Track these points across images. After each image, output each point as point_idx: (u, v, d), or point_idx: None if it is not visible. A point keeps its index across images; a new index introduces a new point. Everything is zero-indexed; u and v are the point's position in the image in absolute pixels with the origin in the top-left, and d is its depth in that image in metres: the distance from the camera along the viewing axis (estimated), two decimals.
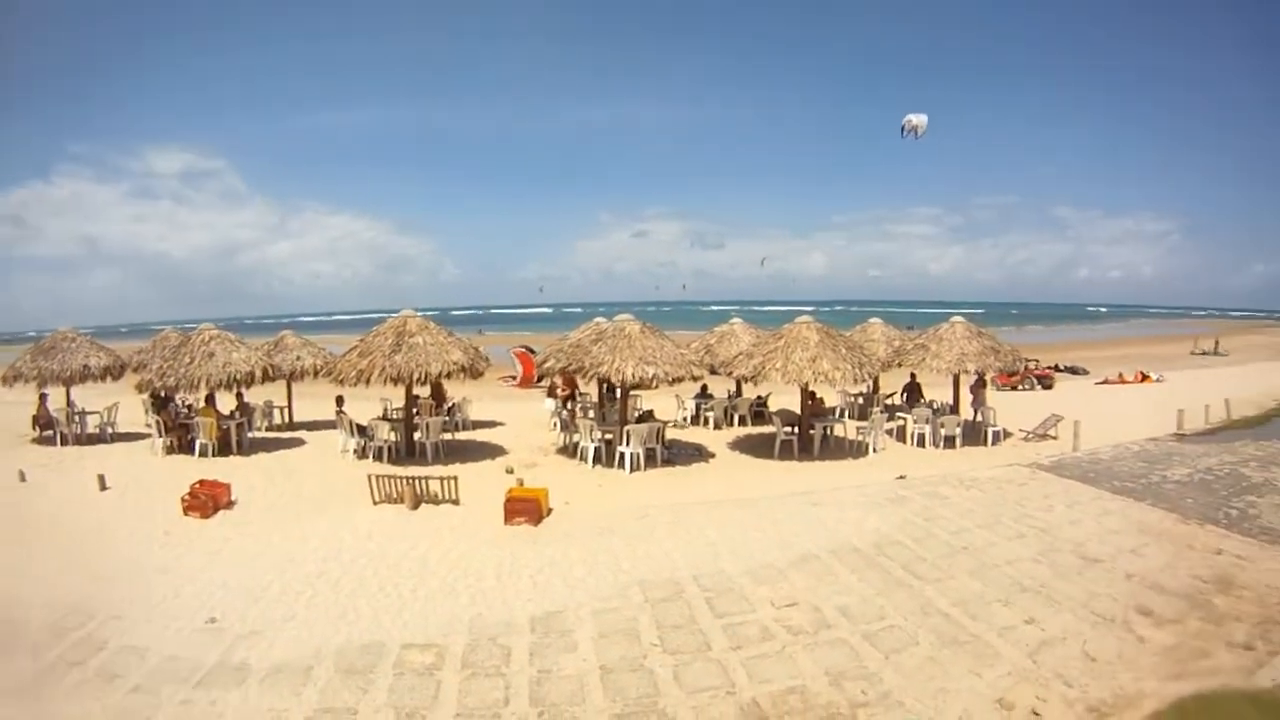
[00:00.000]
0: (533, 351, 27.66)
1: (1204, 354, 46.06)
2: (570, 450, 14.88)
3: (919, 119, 19.84)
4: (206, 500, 10.48)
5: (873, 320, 20.94)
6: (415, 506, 10.54)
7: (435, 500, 10.76)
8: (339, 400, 15.99)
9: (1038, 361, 32.06)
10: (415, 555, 8.64)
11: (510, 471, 13.03)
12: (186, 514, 10.36)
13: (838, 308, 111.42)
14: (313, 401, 19.15)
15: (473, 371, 14.80)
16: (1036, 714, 5.18)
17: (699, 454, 15.14)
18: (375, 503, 10.77)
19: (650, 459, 13.77)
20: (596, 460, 13.86)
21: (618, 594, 7.21)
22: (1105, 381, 30.89)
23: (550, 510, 10.25)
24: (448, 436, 15.98)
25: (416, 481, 10.75)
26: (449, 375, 14.51)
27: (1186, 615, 6.87)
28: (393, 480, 10.85)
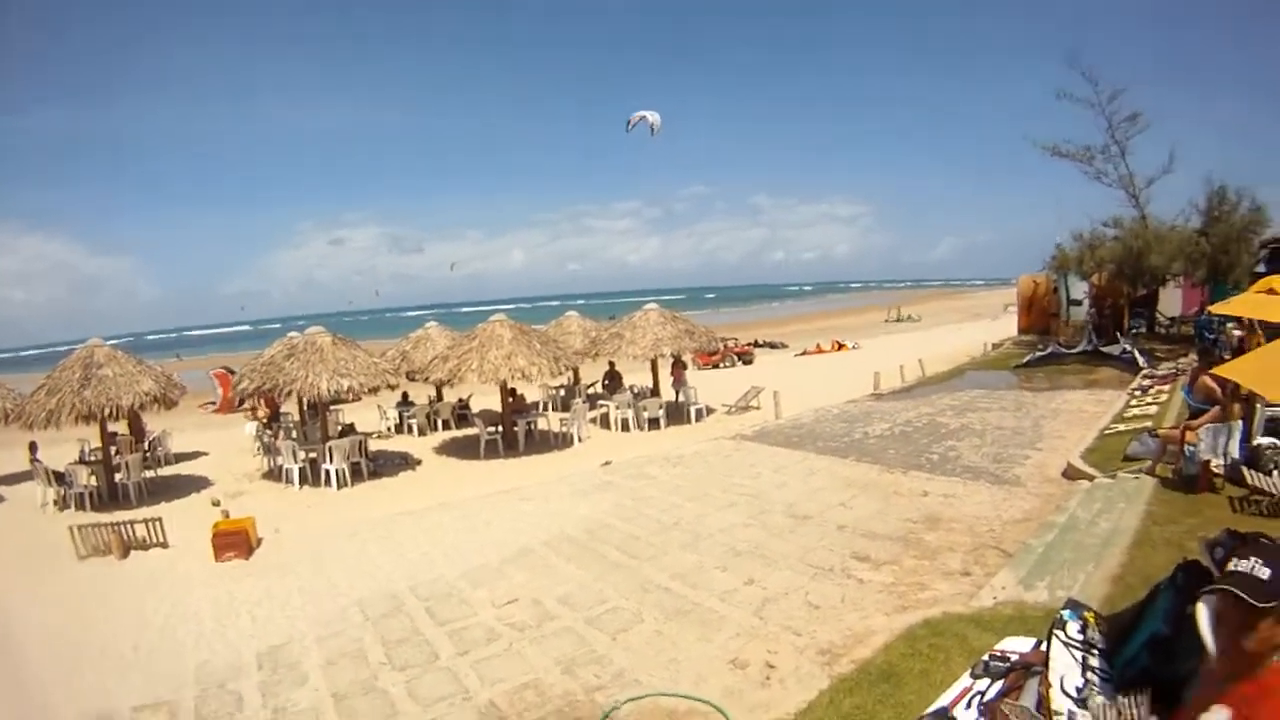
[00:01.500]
0: (232, 373, 28.60)
1: (897, 321, 58.54)
2: (276, 474, 16.89)
3: (654, 116, 23.43)
4: None
5: (569, 314, 25.24)
6: (125, 555, 11.45)
7: (144, 545, 11.70)
8: (32, 447, 17.22)
9: (736, 340, 38.28)
10: (130, 608, 9.21)
11: (216, 504, 14.32)
12: None
13: (539, 303, 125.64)
14: (9, 451, 20.00)
15: (166, 401, 16.32)
16: (771, 666, 6.02)
17: (405, 463, 17.59)
18: (82, 557, 11.53)
19: (356, 473, 16.03)
20: (303, 481, 15.92)
21: (339, 617, 8.03)
22: (804, 353, 37.41)
23: (260, 540, 11.51)
24: (150, 474, 17.34)
25: (122, 527, 11.66)
26: (142, 407, 15.98)
27: (901, 555, 8.37)
28: (97, 530, 11.72)
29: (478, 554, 9.70)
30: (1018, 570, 7.31)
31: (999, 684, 4.47)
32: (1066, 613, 4.88)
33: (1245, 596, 1.92)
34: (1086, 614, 4.96)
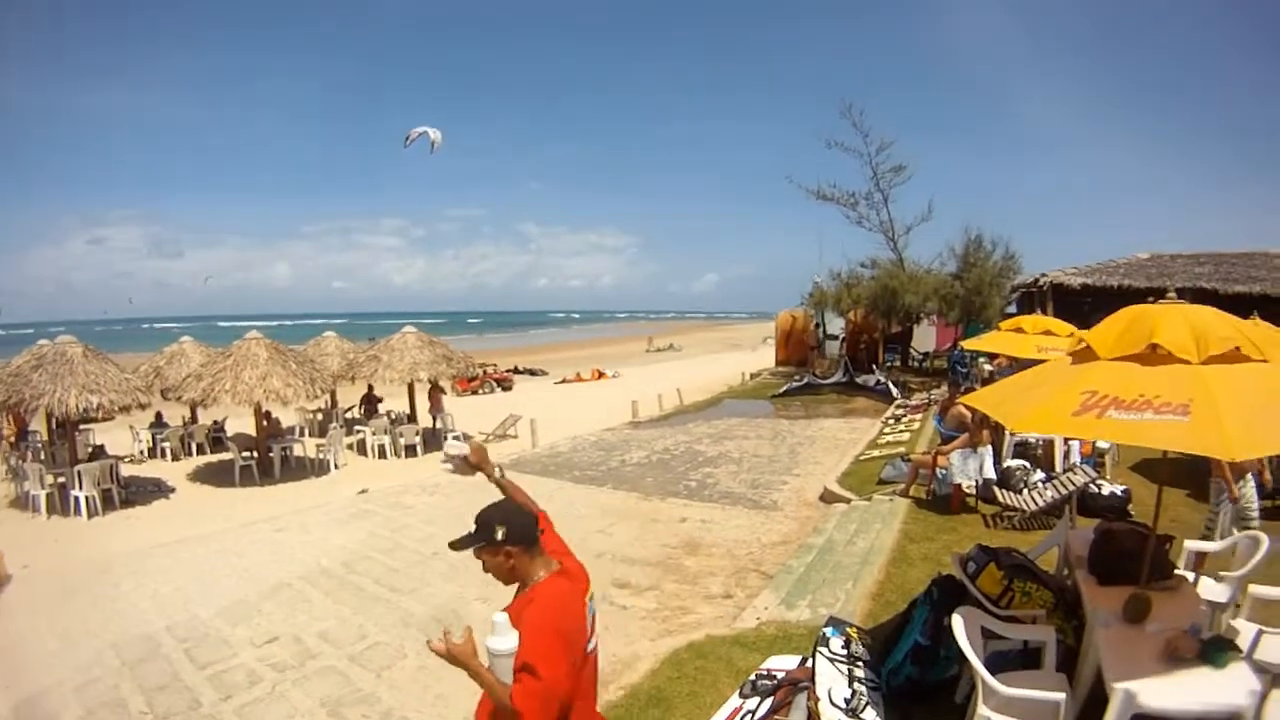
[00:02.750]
0: None
1: (658, 350, 60.62)
2: (24, 500, 15.78)
3: (435, 133, 23.63)
4: None
5: (328, 334, 24.83)
6: None
7: None
8: None
9: (496, 366, 38.64)
10: None
11: None
12: None
13: (302, 321, 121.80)
14: None
15: None
16: None
17: (159, 490, 16.81)
18: None
19: (108, 501, 15.23)
20: (50, 509, 15.01)
21: (95, 663, 7.63)
22: (564, 381, 37.64)
23: (9, 576, 10.80)
24: None
25: None
26: None
27: (662, 580, 8.60)
28: None
29: (235, 589, 9.46)
30: (779, 591, 7.61)
31: (768, 701, 4.57)
32: (829, 629, 5.11)
33: (465, 542, 2.93)
34: (849, 629, 5.21)
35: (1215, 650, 3.60)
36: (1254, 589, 4.88)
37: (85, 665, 7.61)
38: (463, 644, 2.65)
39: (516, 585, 3.00)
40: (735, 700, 4.75)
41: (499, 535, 2.85)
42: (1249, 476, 6.99)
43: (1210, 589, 4.87)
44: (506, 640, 2.64)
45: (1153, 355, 3.72)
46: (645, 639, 6.92)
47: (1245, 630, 4.31)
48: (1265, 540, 4.98)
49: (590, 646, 2.92)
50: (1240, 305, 15.42)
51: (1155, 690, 3.41)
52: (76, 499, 14.68)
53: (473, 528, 2.92)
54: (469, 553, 8.93)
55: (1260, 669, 3.64)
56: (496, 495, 10.84)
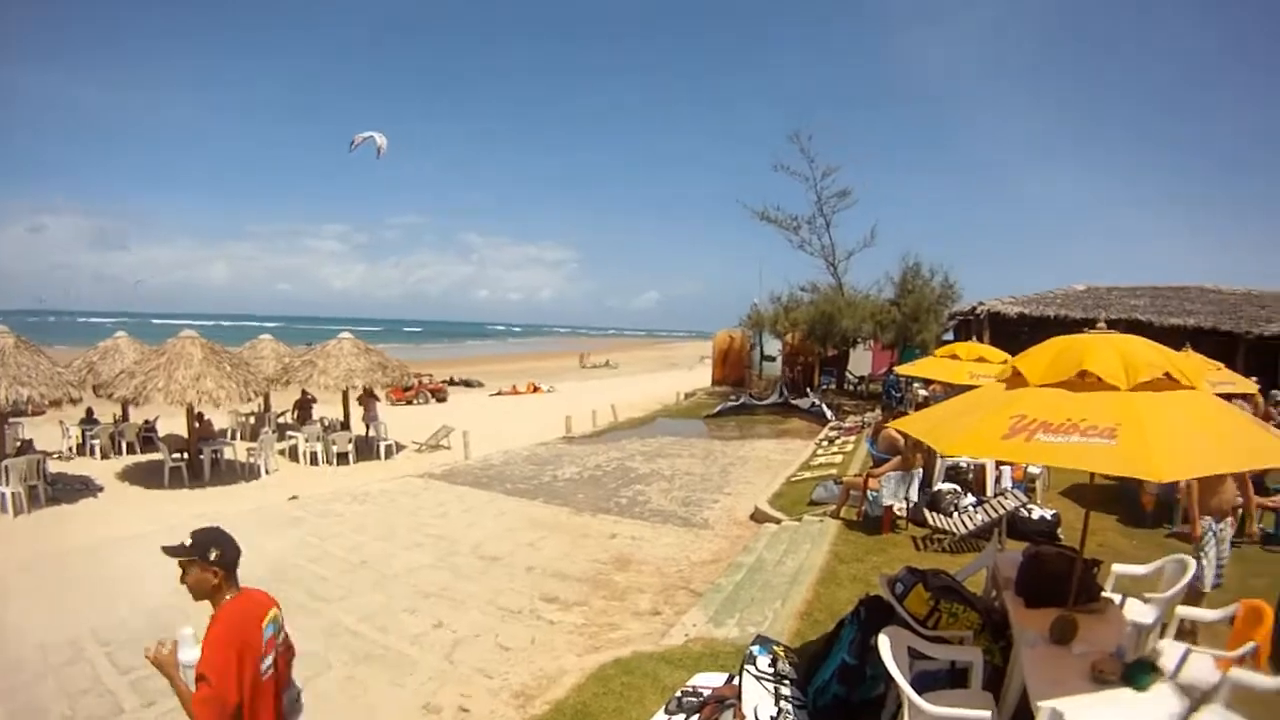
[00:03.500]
0: None
1: (594, 367, 60.78)
2: None
3: (381, 138, 24.00)
4: None
5: (264, 336, 24.64)
6: None
7: None
8: None
9: (431, 376, 38.25)
10: None
11: None
12: None
13: (242, 322, 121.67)
14: None
15: None
16: (465, 710, 6.05)
17: (87, 488, 16.45)
18: None
19: (34, 498, 14.91)
20: None
21: (19, 665, 7.51)
22: (499, 393, 37.60)
23: None
24: None
25: None
26: None
27: (591, 596, 8.53)
28: None
29: (159, 594, 9.08)
30: (707, 609, 7.57)
31: (695, 718, 4.50)
32: (756, 648, 5.08)
33: (180, 551, 3.18)
34: (776, 648, 5.18)
35: (1138, 672, 3.63)
36: (1181, 610, 4.97)
37: (7, 667, 7.47)
38: (167, 654, 3.10)
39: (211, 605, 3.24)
40: (661, 716, 4.68)
41: (212, 555, 3.22)
42: (1228, 522, 6.27)
43: (1137, 611, 4.94)
44: (189, 652, 3.10)
45: (1082, 382, 3.75)
46: (572, 654, 6.86)
47: (1172, 651, 4.37)
48: (1192, 564, 5.09)
49: (268, 662, 3.29)
50: (1174, 337, 15.91)
51: (1079, 710, 3.42)
52: (2, 495, 14.38)
53: (188, 541, 3.23)
54: (398, 564, 9.29)
55: (1185, 689, 3.69)
56: (434, 507, 11.10)
